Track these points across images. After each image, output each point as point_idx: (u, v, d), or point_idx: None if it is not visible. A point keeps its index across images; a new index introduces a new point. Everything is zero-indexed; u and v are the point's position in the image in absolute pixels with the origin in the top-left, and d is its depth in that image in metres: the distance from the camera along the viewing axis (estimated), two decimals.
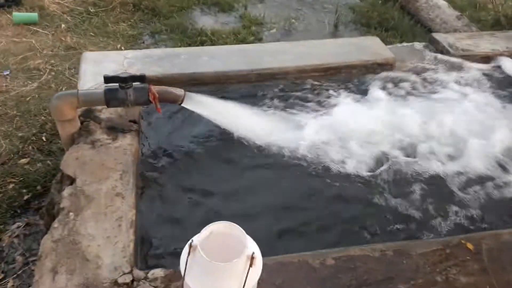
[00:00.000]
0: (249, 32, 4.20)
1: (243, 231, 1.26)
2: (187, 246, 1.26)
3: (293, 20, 4.52)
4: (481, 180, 2.14)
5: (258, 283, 1.53)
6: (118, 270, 1.56)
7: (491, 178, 2.14)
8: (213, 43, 3.91)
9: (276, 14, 4.61)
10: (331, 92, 2.60)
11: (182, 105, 2.07)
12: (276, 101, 2.51)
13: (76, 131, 2.06)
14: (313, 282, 1.56)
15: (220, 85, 2.53)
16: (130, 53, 2.69)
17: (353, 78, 2.73)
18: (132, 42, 4.02)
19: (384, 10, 4.59)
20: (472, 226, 1.89)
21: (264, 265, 1.58)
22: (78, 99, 1.97)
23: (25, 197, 2.47)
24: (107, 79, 1.96)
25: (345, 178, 2.09)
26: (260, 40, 4.16)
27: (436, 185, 2.09)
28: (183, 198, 1.99)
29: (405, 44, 3.20)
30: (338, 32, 4.42)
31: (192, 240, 1.25)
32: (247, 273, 1.21)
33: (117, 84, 1.98)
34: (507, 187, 2.09)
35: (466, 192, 2.05)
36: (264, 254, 1.31)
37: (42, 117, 2.99)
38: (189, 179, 2.08)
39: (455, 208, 1.96)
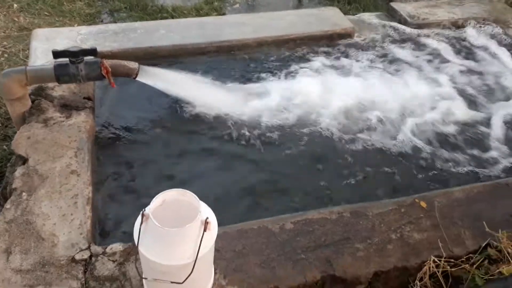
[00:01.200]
0: (212, 7, 4.13)
1: (196, 197, 1.25)
2: (140, 216, 1.24)
3: None
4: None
5: (218, 250, 1.54)
6: (75, 247, 1.54)
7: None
8: (175, 19, 3.82)
9: None
10: (286, 63, 2.62)
11: (137, 78, 2.02)
12: (233, 73, 2.49)
13: (27, 110, 1.99)
14: (272, 246, 1.58)
15: (177, 59, 2.48)
16: (84, 29, 2.60)
17: (312, 48, 2.72)
18: (90, 21, 3.88)
19: None
20: None
21: (224, 233, 1.60)
22: (27, 76, 1.89)
23: None
24: (56, 54, 1.89)
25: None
26: (223, 15, 4.09)
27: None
28: (142, 172, 1.96)
29: (364, 14, 3.21)
30: (302, 6, 4.40)
31: (144, 209, 1.24)
32: (201, 238, 1.21)
33: (68, 59, 1.91)
34: None
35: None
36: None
37: None
38: (148, 153, 2.05)
39: None
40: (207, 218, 1.23)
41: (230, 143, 2.14)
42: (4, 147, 2.58)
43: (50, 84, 2.12)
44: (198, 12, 4.01)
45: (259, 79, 2.50)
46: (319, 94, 2.39)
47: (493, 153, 2.20)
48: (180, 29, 2.65)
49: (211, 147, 2.11)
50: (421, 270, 1.52)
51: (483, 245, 1.61)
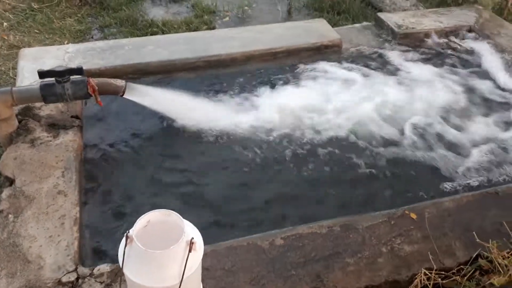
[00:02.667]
0: (202, 21, 4.14)
1: (181, 217, 1.24)
2: (124, 238, 1.23)
3: (246, 8, 4.48)
4: None
5: (207, 268, 1.53)
6: (62, 269, 1.52)
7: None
8: (163, 35, 3.83)
9: (229, 2, 4.56)
10: (273, 76, 2.64)
11: (124, 96, 2.01)
12: (220, 87, 2.49)
13: (13, 130, 1.98)
14: (262, 263, 1.56)
15: (166, 74, 2.48)
16: (71, 47, 2.60)
17: (300, 60, 2.74)
18: (80, 38, 3.88)
19: None
20: None
21: (213, 251, 1.59)
22: (13, 97, 1.89)
23: None
24: (42, 74, 1.88)
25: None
26: (213, 29, 4.11)
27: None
28: (131, 190, 1.95)
29: (352, 25, 3.23)
30: (291, 18, 4.42)
31: (129, 231, 1.22)
32: (187, 259, 1.20)
33: (54, 78, 1.90)
34: None
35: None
36: None
37: None
38: (135, 171, 2.04)
39: None
40: (192, 238, 1.22)
41: (215, 156, 2.14)
42: None
43: (37, 104, 2.12)
44: (188, 26, 4.02)
45: (246, 93, 2.50)
46: (307, 106, 2.40)
47: None
48: (169, 45, 2.65)
49: (198, 160, 2.11)
50: (412, 283, 1.51)
51: (474, 256, 1.60)
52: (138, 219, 1.23)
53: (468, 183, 2.04)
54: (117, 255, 1.67)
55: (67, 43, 3.67)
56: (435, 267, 1.54)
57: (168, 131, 2.23)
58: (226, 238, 1.66)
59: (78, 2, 4.25)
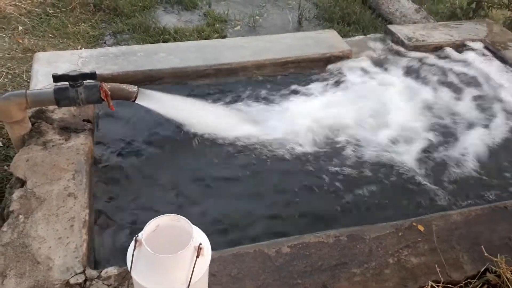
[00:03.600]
0: (213, 29, 4.19)
1: (189, 222, 1.25)
2: (133, 241, 1.24)
3: (257, 17, 4.53)
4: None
5: (214, 274, 1.54)
6: (70, 270, 1.53)
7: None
8: (175, 42, 3.88)
9: (240, 11, 4.62)
10: (285, 86, 2.65)
11: (136, 101, 2.04)
12: (231, 96, 2.51)
13: (26, 132, 2.01)
14: (269, 270, 1.56)
15: (177, 81, 2.51)
16: (84, 52, 2.64)
17: (310, 71, 2.76)
18: (93, 43, 3.94)
19: (346, 4, 4.66)
20: None
21: (219, 257, 1.59)
22: (27, 100, 1.92)
23: None
24: (56, 78, 1.92)
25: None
26: (224, 37, 4.15)
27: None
28: (140, 195, 1.96)
29: (362, 36, 3.25)
30: (302, 28, 4.45)
31: (138, 234, 1.24)
32: (194, 264, 1.21)
33: (68, 83, 1.94)
34: None
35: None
36: None
37: None
38: (145, 176, 2.06)
39: None
40: (200, 244, 1.23)
41: (224, 164, 2.15)
42: (5, 167, 2.59)
43: (50, 107, 2.15)
44: (199, 34, 4.07)
45: (256, 102, 2.52)
46: (317, 116, 2.41)
47: None
48: (180, 52, 2.69)
49: (209, 169, 2.12)
50: None
51: (482, 270, 1.59)
52: (147, 223, 1.24)
53: None
54: (125, 259, 1.70)
55: (81, 48, 3.73)
56: (442, 280, 1.53)
57: (178, 138, 2.25)
58: None
59: (92, 8, 4.33)
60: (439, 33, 3.15)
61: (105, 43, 3.97)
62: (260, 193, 2.03)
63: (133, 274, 1.22)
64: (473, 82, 2.86)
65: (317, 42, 2.90)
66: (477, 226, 1.77)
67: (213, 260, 1.27)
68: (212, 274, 1.50)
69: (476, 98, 2.73)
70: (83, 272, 1.54)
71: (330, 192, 2.04)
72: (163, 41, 3.87)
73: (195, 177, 2.08)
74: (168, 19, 4.35)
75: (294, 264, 1.59)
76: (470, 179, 2.16)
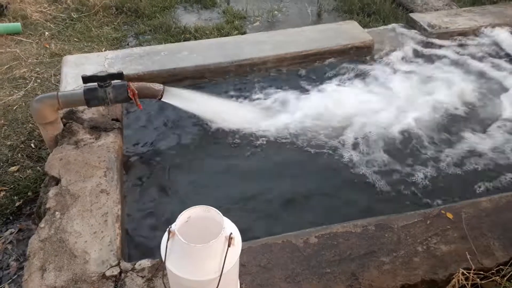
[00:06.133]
0: (233, 26, 4.21)
1: (220, 213, 1.29)
2: (166, 232, 1.28)
3: (276, 12, 4.53)
4: None
5: (244, 265, 1.57)
6: (106, 263, 1.59)
7: None
8: (197, 40, 3.92)
9: (259, 7, 4.62)
10: (307, 78, 2.66)
11: (162, 99, 2.09)
12: (254, 90, 2.54)
13: (59, 133, 2.09)
14: (298, 260, 1.58)
15: (200, 79, 2.55)
16: (110, 54, 2.72)
17: (332, 62, 2.75)
18: (117, 45, 4.03)
19: None
20: None
21: (249, 247, 1.62)
22: (59, 101, 2.00)
23: (17, 204, 2.48)
24: (86, 79, 1.99)
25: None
26: (243, 34, 4.17)
27: None
28: (168, 189, 2.01)
29: (383, 26, 3.21)
30: (321, 20, 4.43)
31: (171, 226, 1.28)
32: (226, 253, 1.24)
33: (96, 83, 2.00)
34: None
35: None
36: None
37: (30, 125, 3.01)
38: (173, 171, 2.11)
39: None
40: (231, 233, 1.26)
41: (252, 156, 2.18)
42: (38, 168, 2.70)
43: (80, 108, 2.23)
44: (219, 31, 4.11)
45: (279, 95, 2.54)
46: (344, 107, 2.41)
47: None
48: (202, 50, 2.73)
49: (236, 162, 2.15)
50: (449, 283, 1.49)
51: None
52: (179, 215, 1.28)
53: None
54: (158, 252, 1.75)
55: (105, 50, 3.83)
56: (473, 267, 1.52)
57: (204, 133, 2.29)
58: None
59: (114, 11, 4.43)
60: (463, 19, 3.09)
61: (128, 44, 4.05)
62: None
63: (167, 264, 1.26)
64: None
65: (338, 33, 2.89)
66: (507, 212, 1.74)
67: (242, 251, 1.30)
68: (241, 264, 1.53)
69: None
70: (118, 264, 1.59)
71: None
72: (184, 40, 3.92)
73: None
74: (188, 18, 4.41)
75: (322, 253, 1.61)
76: None
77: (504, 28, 3.05)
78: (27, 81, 3.43)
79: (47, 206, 1.80)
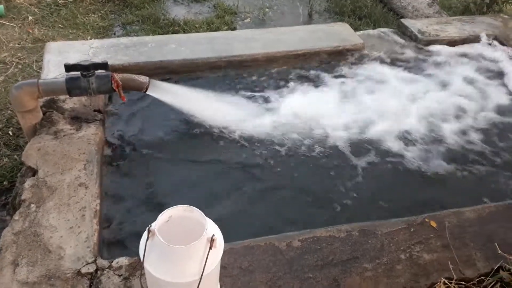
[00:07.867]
0: (223, 21, 4.16)
1: (203, 214, 1.25)
2: (146, 231, 1.24)
3: (267, 9, 4.50)
4: None
5: (225, 267, 1.53)
6: (81, 260, 1.54)
7: None
8: (185, 34, 3.86)
9: (250, 3, 4.58)
10: (295, 78, 2.64)
11: (147, 92, 2.03)
12: (241, 87, 2.50)
13: (38, 121, 2.01)
14: (279, 264, 1.56)
15: (187, 73, 2.50)
16: (96, 43, 2.64)
17: (321, 63, 2.74)
18: (103, 34, 3.93)
19: None
20: None
21: (231, 249, 1.59)
22: (39, 89, 1.92)
23: None
24: (68, 68, 1.91)
25: None
26: (233, 30, 4.13)
27: None
28: (149, 186, 1.96)
29: (374, 30, 3.21)
30: (312, 21, 4.41)
31: (151, 225, 1.23)
32: (207, 255, 1.20)
33: (79, 72, 1.93)
34: None
35: None
36: None
37: (9, 111, 2.90)
38: (156, 166, 2.06)
39: None
40: (213, 235, 1.22)
41: (236, 154, 2.14)
42: (15, 157, 2.60)
43: (62, 97, 2.15)
44: (209, 26, 4.05)
45: (266, 93, 2.51)
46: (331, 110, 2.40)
47: None
48: (191, 44, 2.67)
49: (219, 159, 2.12)
50: None
51: (496, 267, 1.57)
52: (160, 214, 1.24)
53: None
54: (137, 249, 1.70)
55: (90, 39, 3.73)
56: (455, 277, 1.52)
57: (189, 129, 2.24)
58: None
59: None
60: (453, 28, 3.11)
61: (114, 34, 3.96)
62: None
63: (145, 264, 1.21)
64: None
65: (329, 35, 2.87)
66: (491, 224, 1.75)
67: (224, 252, 1.26)
68: (223, 266, 1.49)
69: None
70: (94, 261, 1.54)
71: None
72: (173, 33, 3.85)
73: None
74: (178, 11, 4.33)
75: (305, 258, 1.58)
76: None
77: (490, 38, 3.08)
78: (8, 66, 3.32)
79: (23, 197, 1.73)
